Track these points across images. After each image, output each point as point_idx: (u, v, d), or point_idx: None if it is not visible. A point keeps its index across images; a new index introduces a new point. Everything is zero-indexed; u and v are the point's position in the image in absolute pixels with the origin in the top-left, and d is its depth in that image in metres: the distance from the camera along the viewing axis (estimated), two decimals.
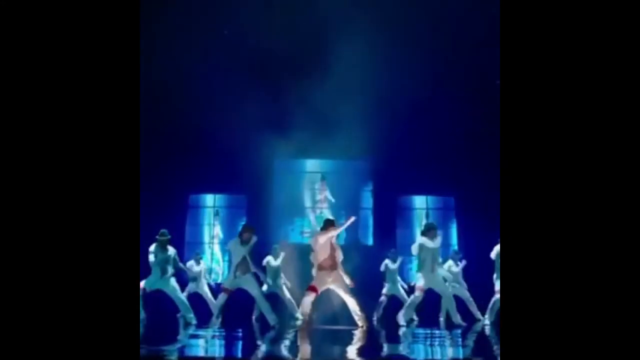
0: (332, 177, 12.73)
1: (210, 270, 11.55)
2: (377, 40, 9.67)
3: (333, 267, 6.67)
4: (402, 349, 4.84)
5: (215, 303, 7.75)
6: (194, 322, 7.45)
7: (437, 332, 6.74)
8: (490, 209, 7.73)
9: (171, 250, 7.85)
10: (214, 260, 12.30)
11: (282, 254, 9.19)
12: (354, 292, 6.72)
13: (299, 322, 7.76)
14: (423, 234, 7.61)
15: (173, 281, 7.72)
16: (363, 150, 11.57)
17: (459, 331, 6.65)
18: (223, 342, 5.45)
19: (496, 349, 4.72)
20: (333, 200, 12.45)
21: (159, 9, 9.06)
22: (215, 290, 9.65)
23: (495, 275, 7.75)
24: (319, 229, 7.23)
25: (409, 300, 7.98)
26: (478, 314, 8.50)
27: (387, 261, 9.60)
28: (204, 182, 12.18)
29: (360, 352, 4.58)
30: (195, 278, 9.75)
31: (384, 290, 9.50)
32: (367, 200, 12.74)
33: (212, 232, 12.50)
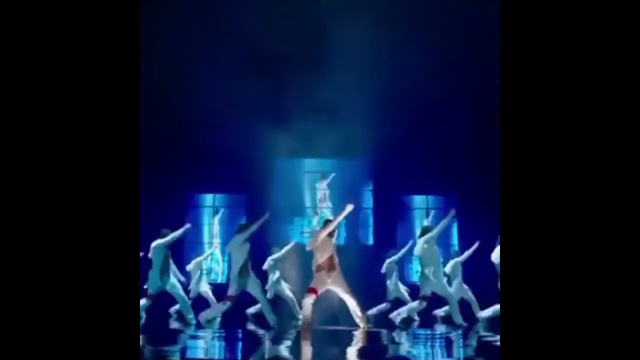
0: (332, 177, 12.74)
1: (210, 270, 11.56)
2: (378, 40, 9.67)
3: (332, 267, 6.58)
4: (402, 351, 4.83)
5: (216, 307, 7.61)
6: (194, 322, 7.39)
7: (431, 332, 6.70)
8: (491, 208, 7.72)
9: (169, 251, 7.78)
10: (213, 260, 12.30)
11: (284, 249, 9.13)
12: (354, 292, 6.67)
13: (299, 323, 7.74)
14: (421, 237, 7.53)
15: (173, 279, 7.65)
16: (363, 149, 11.58)
17: (458, 332, 6.61)
18: (221, 343, 5.41)
19: (495, 349, 4.72)
20: (331, 205, 12.45)
21: (159, 7, 9.06)
22: (215, 291, 9.64)
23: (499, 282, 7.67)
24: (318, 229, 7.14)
25: (410, 304, 7.96)
26: (480, 314, 8.46)
27: (388, 261, 9.46)
28: (204, 181, 12.19)
29: (360, 352, 4.57)
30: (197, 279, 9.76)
31: (388, 296, 9.29)
32: (368, 199, 12.75)
33: (212, 231, 12.51)
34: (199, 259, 9.87)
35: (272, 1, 10.71)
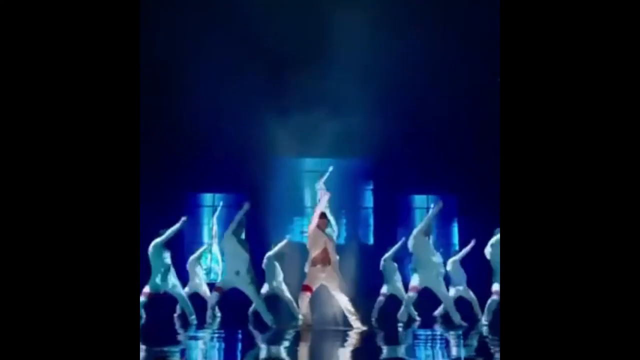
0: (332, 176, 12.72)
1: (209, 270, 11.53)
2: (378, 39, 9.66)
3: (326, 261, 6.38)
4: (400, 352, 4.80)
5: (209, 303, 7.61)
6: (195, 322, 7.33)
7: (431, 333, 6.65)
8: (492, 208, 7.72)
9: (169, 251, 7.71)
10: (213, 259, 12.28)
11: (278, 246, 9.10)
12: (349, 291, 6.56)
13: (297, 322, 7.70)
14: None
15: (174, 279, 7.56)
16: (364, 148, 11.57)
17: (456, 332, 6.56)
18: (218, 344, 5.37)
19: (494, 350, 4.71)
20: (327, 207, 12.42)
21: (158, 6, 9.05)
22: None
23: (493, 276, 7.64)
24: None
25: (405, 300, 7.93)
26: (481, 315, 8.43)
27: (383, 259, 9.32)
28: (204, 181, 12.19)
29: (359, 354, 4.55)
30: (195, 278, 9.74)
31: (383, 290, 9.23)
32: (368, 199, 12.75)
33: (212, 231, 12.50)
34: (194, 256, 9.85)
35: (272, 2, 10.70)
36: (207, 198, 12.76)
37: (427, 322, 8.07)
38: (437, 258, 7.46)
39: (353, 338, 5.61)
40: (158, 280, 7.31)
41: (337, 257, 6.54)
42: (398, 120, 11.08)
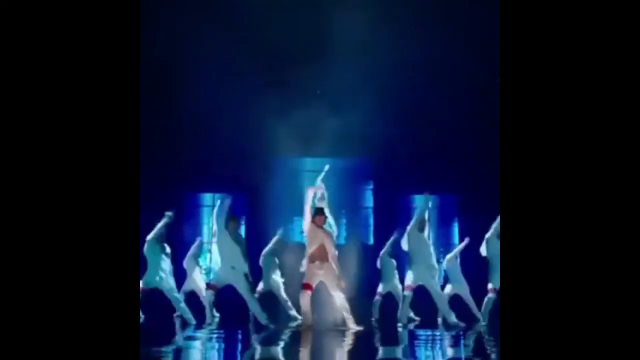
0: (332, 176, 12.73)
1: (209, 270, 11.54)
2: (378, 38, 9.65)
3: (323, 258, 6.27)
4: (398, 352, 4.78)
5: (205, 303, 7.48)
6: (194, 322, 7.28)
7: (431, 333, 6.59)
8: (492, 208, 7.71)
9: (167, 248, 7.63)
10: (213, 259, 12.28)
11: (271, 242, 9.08)
12: (349, 289, 6.50)
13: (297, 322, 7.66)
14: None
15: (171, 281, 7.46)
16: (363, 148, 11.57)
17: (456, 332, 6.52)
18: (216, 345, 5.31)
19: (491, 350, 4.70)
20: (326, 206, 12.41)
21: (158, 6, 9.05)
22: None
23: (489, 274, 7.53)
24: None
25: (402, 300, 7.90)
26: (478, 314, 8.41)
27: (379, 257, 9.20)
28: (204, 181, 12.18)
29: (355, 354, 4.52)
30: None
31: (379, 289, 9.08)
32: (368, 199, 12.74)
33: (211, 230, 12.49)
34: (190, 253, 9.84)
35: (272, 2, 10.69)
36: (207, 198, 12.75)
37: (429, 323, 8.02)
38: (432, 255, 7.37)
39: (350, 339, 5.56)
40: (151, 276, 7.23)
41: (336, 252, 6.42)
42: (398, 120, 11.07)
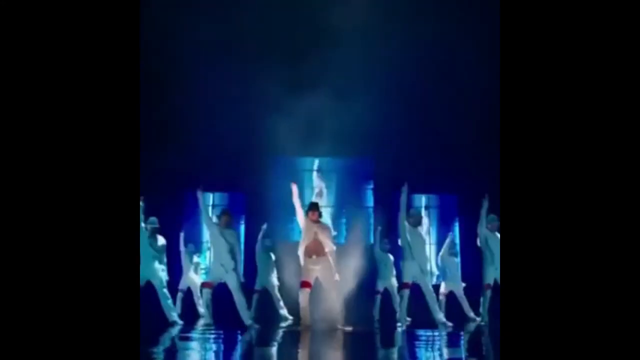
0: (332, 175, 12.74)
1: (207, 270, 11.54)
2: (378, 37, 9.66)
3: (319, 252, 6.20)
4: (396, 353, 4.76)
5: (203, 303, 7.42)
6: (180, 321, 7.15)
7: (431, 334, 6.52)
8: (492, 208, 7.72)
9: (160, 240, 7.50)
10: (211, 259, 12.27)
11: (259, 236, 9.07)
12: (346, 285, 6.46)
13: (287, 322, 7.65)
14: (407, 220, 7.30)
15: (163, 274, 7.30)
16: (363, 148, 11.57)
17: (456, 332, 6.49)
18: (214, 345, 5.24)
19: (487, 351, 4.68)
20: (331, 203, 12.42)
21: (158, 6, 9.04)
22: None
23: (484, 268, 7.50)
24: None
25: (398, 300, 7.88)
26: (470, 313, 8.38)
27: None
28: (204, 181, 12.16)
29: (351, 355, 4.50)
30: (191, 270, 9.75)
31: (377, 287, 9.04)
32: (368, 198, 12.74)
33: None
34: (185, 249, 9.84)
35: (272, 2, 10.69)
36: (207, 198, 12.74)
37: (428, 323, 8.00)
38: (424, 252, 7.35)
39: (348, 339, 5.53)
40: (144, 269, 6.92)
41: (334, 247, 6.37)
42: (398, 120, 11.06)
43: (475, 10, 10.05)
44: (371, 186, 12.78)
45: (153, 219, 7.36)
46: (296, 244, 6.64)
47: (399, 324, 7.27)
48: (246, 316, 6.70)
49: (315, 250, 6.24)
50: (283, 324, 7.60)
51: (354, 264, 7.14)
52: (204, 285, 7.14)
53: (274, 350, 4.84)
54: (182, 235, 9.61)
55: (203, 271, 10.80)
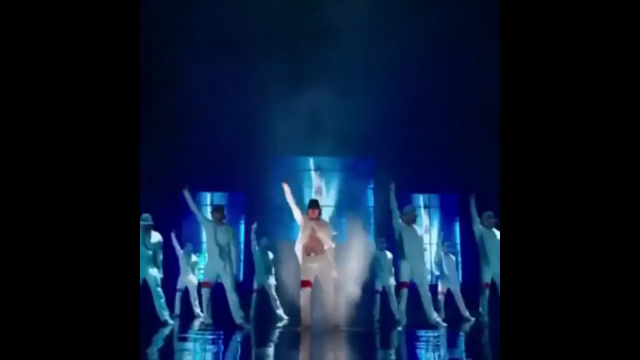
0: (332, 175, 12.75)
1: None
2: (378, 37, 9.66)
3: (317, 249, 6.12)
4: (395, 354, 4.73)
5: (204, 303, 7.26)
6: (170, 322, 7.09)
7: (431, 334, 6.43)
8: (492, 208, 7.72)
9: (156, 237, 7.31)
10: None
11: (253, 226, 9.09)
12: (345, 284, 6.38)
13: (283, 322, 7.62)
14: (401, 218, 7.24)
15: (156, 271, 7.15)
16: (363, 148, 11.57)
17: (456, 332, 6.47)
18: (211, 346, 5.14)
19: (485, 351, 4.67)
20: (332, 203, 12.42)
21: (157, 5, 9.04)
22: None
23: (481, 267, 7.48)
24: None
25: (395, 300, 7.86)
26: (466, 313, 8.36)
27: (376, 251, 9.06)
28: (203, 180, 12.17)
29: (348, 355, 4.48)
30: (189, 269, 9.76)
31: (376, 286, 8.93)
32: (369, 198, 12.75)
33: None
34: (182, 250, 9.84)
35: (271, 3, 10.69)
36: (207, 197, 12.75)
37: (428, 323, 7.97)
38: (420, 250, 7.29)
39: (348, 339, 5.51)
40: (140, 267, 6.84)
41: (333, 245, 6.31)
42: (399, 120, 11.07)
43: (476, 10, 10.05)
44: (371, 186, 12.79)
45: (146, 215, 7.24)
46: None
47: (399, 326, 7.23)
48: (238, 315, 6.63)
49: (314, 247, 6.18)
50: (279, 324, 7.59)
51: (354, 264, 7.12)
52: (202, 285, 7.06)
53: (274, 350, 4.82)
54: (173, 235, 9.54)
55: (201, 271, 10.80)
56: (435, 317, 7.16)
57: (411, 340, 5.64)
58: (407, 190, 12.76)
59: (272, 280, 9.11)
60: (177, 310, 9.61)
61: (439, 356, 4.37)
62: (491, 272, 7.41)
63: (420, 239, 7.42)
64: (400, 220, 7.22)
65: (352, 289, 6.58)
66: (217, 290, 7.03)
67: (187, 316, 9.30)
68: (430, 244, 12.03)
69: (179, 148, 11.46)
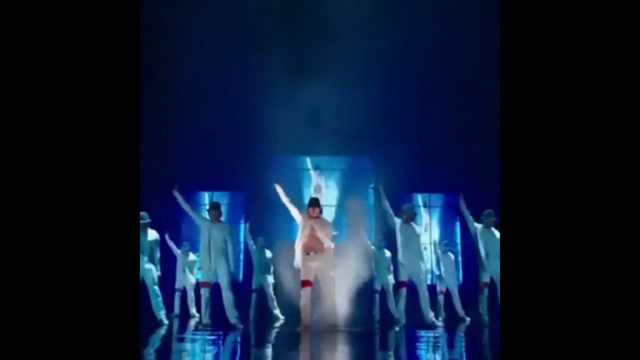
0: (332, 175, 12.75)
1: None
2: (377, 37, 9.65)
3: (316, 249, 6.10)
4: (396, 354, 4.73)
5: (203, 303, 7.22)
6: (165, 321, 7.06)
7: (432, 334, 6.41)
8: (492, 208, 7.73)
9: (152, 235, 7.29)
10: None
11: (246, 225, 9.09)
12: (344, 283, 6.39)
13: (280, 322, 7.60)
14: (400, 216, 7.22)
15: (153, 269, 7.13)
16: (363, 148, 11.56)
17: (456, 333, 6.47)
18: (209, 346, 5.13)
19: (485, 351, 4.66)
20: (334, 202, 12.42)
21: (158, 5, 9.04)
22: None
23: (479, 267, 7.46)
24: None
25: (392, 299, 7.85)
26: (462, 312, 8.36)
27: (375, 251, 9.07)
28: (203, 180, 12.17)
29: (346, 356, 4.47)
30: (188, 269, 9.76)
31: (375, 286, 8.90)
32: (369, 198, 12.75)
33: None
34: (180, 250, 9.84)
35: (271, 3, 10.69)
36: (206, 197, 12.75)
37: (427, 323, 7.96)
38: (418, 248, 7.27)
39: (348, 339, 5.50)
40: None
41: (332, 244, 6.28)
42: (398, 120, 11.07)
43: (476, 10, 10.05)
44: (371, 186, 12.78)
45: (143, 214, 7.21)
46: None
47: (397, 325, 7.22)
48: (232, 314, 6.55)
49: (313, 246, 6.15)
50: (276, 324, 7.58)
51: (354, 264, 7.11)
52: (201, 285, 7.03)
53: (274, 350, 4.81)
54: (167, 236, 9.50)
55: (200, 271, 10.79)
56: (432, 316, 7.14)
57: (411, 340, 5.63)
58: (407, 190, 12.78)
59: (270, 280, 9.11)
60: (177, 310, 9.60)
61: (437, 357, 4.37)
62: (489, 271, 7.39)
63: (419, 237, 7.39)
64: (398, 219, 7.19)
65: (351, 289, 6.58)
66: (216, 291, 7.03)
67: (186, 316, 9.30)
68: (430, 243, 12.03)
69: (178, 147, 11.46)
